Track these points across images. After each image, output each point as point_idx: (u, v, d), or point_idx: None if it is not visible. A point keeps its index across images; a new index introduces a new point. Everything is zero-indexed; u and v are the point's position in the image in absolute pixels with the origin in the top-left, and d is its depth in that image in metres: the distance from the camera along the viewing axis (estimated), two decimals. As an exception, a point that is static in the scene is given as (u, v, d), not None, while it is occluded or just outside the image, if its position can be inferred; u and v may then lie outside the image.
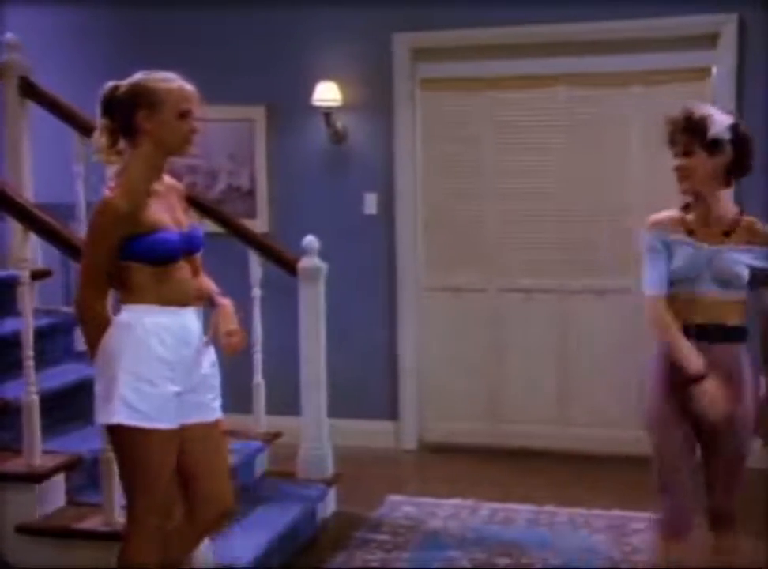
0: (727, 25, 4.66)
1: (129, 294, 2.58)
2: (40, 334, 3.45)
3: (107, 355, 2.56)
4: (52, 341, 3.97)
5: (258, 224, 5.12)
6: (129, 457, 2.58)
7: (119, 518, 3.15)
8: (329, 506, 4.19)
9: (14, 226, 3.52)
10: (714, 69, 4.75)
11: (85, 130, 4.20)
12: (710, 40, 4.72)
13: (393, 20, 5.02)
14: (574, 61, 4.92)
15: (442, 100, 5.16)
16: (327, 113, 5.11)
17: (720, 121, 2.77)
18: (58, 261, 4.28)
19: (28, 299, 3.29)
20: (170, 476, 2.64)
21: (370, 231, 5.18)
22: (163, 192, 2.64)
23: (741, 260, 2.81)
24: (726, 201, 2.89)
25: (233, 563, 3.25)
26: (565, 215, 5.04)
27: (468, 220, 5.18)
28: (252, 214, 5.25)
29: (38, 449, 3.27)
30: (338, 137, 5.17)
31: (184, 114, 2.58)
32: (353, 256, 5.11)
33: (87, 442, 3.43)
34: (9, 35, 4.23)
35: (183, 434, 2.63)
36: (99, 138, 2.62)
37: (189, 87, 2.60)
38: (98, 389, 2.60)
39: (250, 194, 5.34)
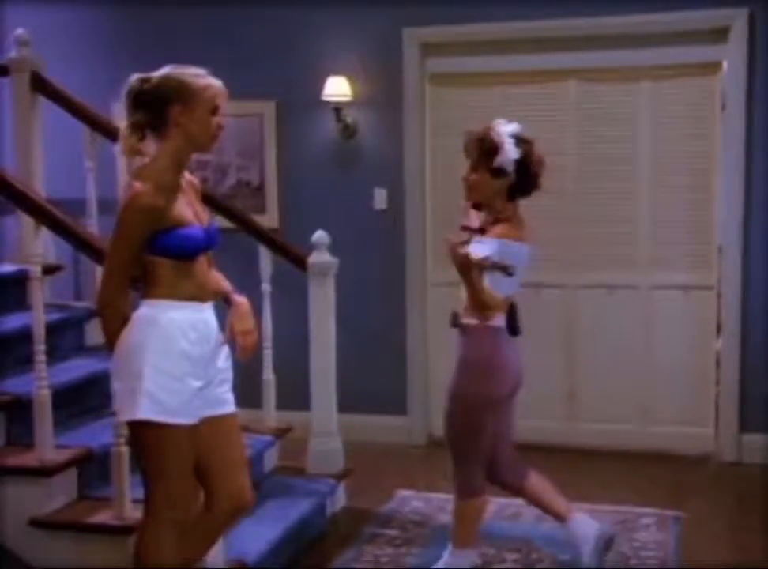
0: (737, 19, 4.64)
1: (151, 288, 2.58)
2: (51, 329, 3.45)
3: (129, 350, 2.55)
4: (63, 336, 3.98)
5: (268, 220, 5.12)
6: (152, 452, 2.58)
7: (131, 511, 3.16)
8: (338, 501, 4.19)
9: (25, 221, 3.52)
10: (725, 64, 4.73)
11: (96, 125, 4.22)
12: (721, 35, 4.69)
13: (403, 14, 5.01)
14: (584, 56, 4.90)
15: (452, 95, 5.14)
16: (337, 108, 5.11)
17: (509, 152, 3.07)
18: (69, 256, 4.30)
19: (39, 293, 3.30)
20: (190, 470, 2.65)
21: (380, 227, 5.18)
22: (185, 187, 2.65)
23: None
24: (503, 209, 3.17)
25: (243, 557, 3.26)
26: (574, 210, 5.03)
27: (477, 216, 5.17)
28: (261, 209, 5.25)
29: (50, 443, 3.27)
30: (348, 132, 5.16)
31: (215, 110, 2.58)
32: (362, 251, 5.11)
33: (97, 437, 3.44)
34: (19, 31, 4.23)
35: (201, 427, 2.63)
36: (127, 132, 2.59)
37: (220, 83, 2.61)
38: (120, 384, 2.59)
39: (260, 189, 5.34)
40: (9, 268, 4.13)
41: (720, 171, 4.80)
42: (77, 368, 3.83)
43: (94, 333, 4.21)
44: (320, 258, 4.12)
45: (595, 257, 5.02)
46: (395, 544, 3.78)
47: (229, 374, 2.77)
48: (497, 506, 4.19)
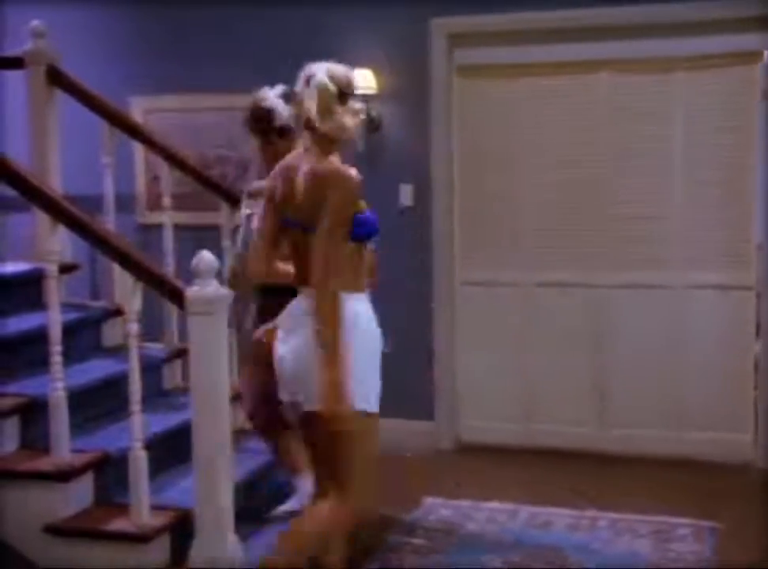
0: (778, 7, 4.47)
1: (339, 276, 2.66)
2: (67, 329, 3.38)
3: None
4: (79, 337, 3.91)
5: (290, 216, 5.01)
6: (360, 442, 2.68)
7: (149, 518, 3.11)
8: (363, 506, 4.08)
9: (41, 217, 3.43)
10: (766, 53, 4.55)
11: (114, 120, 4.13)
12: (761, 23, 4.50)
13: (430, 4, 4.87)
14: (616, 46, 4.74)
15: (480, 88, 5.00)
16: (362, 101, 4.99)
17: (283, 111, 3.39)
18: (85, 254, 4.21)
19: (56, 293, 3.21)
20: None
21: (406, 224, 5.05)
22: None
23: None
24: None
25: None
26: (604, 207, 4.88)
27: (505, 212, 5.04)
28: (284, 205, 5.14)
29: (65, 447, 3.21)
30: (372, 126, 5.04)
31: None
32: (388, 249, 4.95)
33: (115, 441, 3.37)
34: (35, 22, 4.15)
35: None
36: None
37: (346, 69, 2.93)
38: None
39: (283, 184, 5.22)
40: (23, 266, 4.07)
41: (759, 164, 4.62)
42: (93, 370, 3.77)
43: (111, 334, 4.16)
44: (344, 255, 4.00)
45: (626, 255, 4.86)
46: (421, 553, 3.67)
47: None
48: (527, 515, 4.07)
